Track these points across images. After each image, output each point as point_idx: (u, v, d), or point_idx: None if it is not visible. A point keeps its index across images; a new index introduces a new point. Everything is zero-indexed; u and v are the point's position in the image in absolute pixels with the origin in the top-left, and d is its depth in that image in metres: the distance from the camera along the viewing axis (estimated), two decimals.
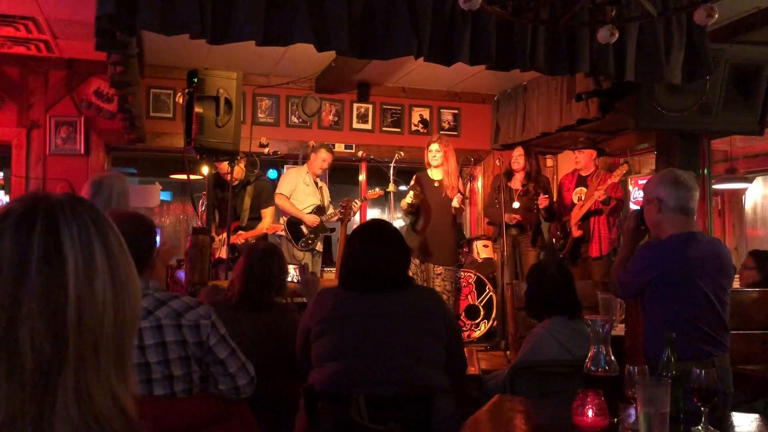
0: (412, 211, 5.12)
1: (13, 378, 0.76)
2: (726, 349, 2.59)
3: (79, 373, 0.78)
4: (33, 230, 0.80)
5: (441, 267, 5.03)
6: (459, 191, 5.05)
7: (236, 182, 5.16)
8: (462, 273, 5.32)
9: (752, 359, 3.42)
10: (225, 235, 4.88)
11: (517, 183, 5.43)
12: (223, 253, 4.99)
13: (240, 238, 5.18)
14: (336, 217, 5.54)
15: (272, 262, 2.92)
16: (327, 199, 5.76)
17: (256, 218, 5.36)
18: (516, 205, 5.25)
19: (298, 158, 6.27)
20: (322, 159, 5.58)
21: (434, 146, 5.13)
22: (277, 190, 5.55)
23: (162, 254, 2.85)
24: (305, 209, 5.52)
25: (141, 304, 0.90)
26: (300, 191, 5.56)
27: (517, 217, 5.23)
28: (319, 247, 5.63)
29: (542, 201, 5.22)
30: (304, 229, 5.48)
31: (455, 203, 5.02)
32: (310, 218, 5.45)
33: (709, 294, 2.54)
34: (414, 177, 5.22)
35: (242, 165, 5.15)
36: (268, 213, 5.38)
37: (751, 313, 3.60)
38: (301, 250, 5.42)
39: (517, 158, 5.42)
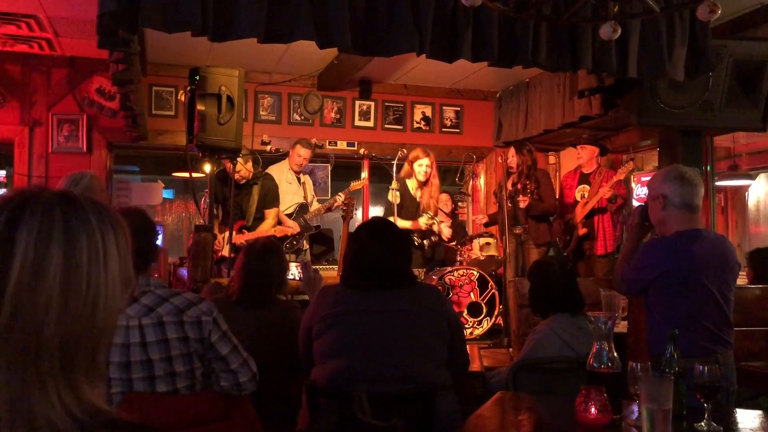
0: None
1: None
2: (730, 346, 2.58)
3: (11, 376, 0.75)
4: None
5: None
6: (432, 216, 5.13)
7: (243, 181, 5.15)
8: (464, 270, 5.30)
9: (755, 356, 3.42)
10: (228, 233, 4.88)
11: (508, 184, 5.44)
12: (226, 252, 4.98)
13: (243, 238, 5.17)
14: (324, 210, 5.54)
15: (271, 258, 2.92)
16: (311, 194, 5.75)
17: (260, 218, 5.34)
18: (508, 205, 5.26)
19: None
20: (298, 155, 5.56)
21: (425, 161, 5.16)
22: None
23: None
24: (289, 208, 5.50)
25: (113, 316, 0.84)
26: (283, 190, 5.53)
27: (527, 199, 5.24)
28: (305, 245, 5.62)
29: (522, 201, 5.21)
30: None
31: (422, 223, 5.10)
32: (290, 225, 5.42)
33: (713, 291, 2.54)
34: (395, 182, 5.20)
35: (249, 165, 5.12)
36: (271, 214, 5.34)
37: (754, 310, 3.60)
38: (287, 252, 5.39)
39: (511, 159, 5.41)
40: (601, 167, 5.49)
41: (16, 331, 0.75)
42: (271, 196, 5.35)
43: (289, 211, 5.50)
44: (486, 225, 5.86)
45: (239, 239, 5.11)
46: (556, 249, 5.62)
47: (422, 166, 5.15)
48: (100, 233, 0.83)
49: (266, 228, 5.26)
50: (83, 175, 3.26)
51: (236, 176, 4.82)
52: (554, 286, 2.91)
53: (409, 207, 5.23)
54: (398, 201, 5.07)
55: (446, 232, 5.40)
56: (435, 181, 5.24)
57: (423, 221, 5.10)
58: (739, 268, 2.72)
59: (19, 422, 0.74)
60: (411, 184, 5.27)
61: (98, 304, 0.81)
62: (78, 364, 0.79)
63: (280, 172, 5.63)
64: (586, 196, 5.44)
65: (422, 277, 5.00)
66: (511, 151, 5.46)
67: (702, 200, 2.66)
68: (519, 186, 5.33)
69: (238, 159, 4.53)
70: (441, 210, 6.62)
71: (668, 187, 2.60)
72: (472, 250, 5.86)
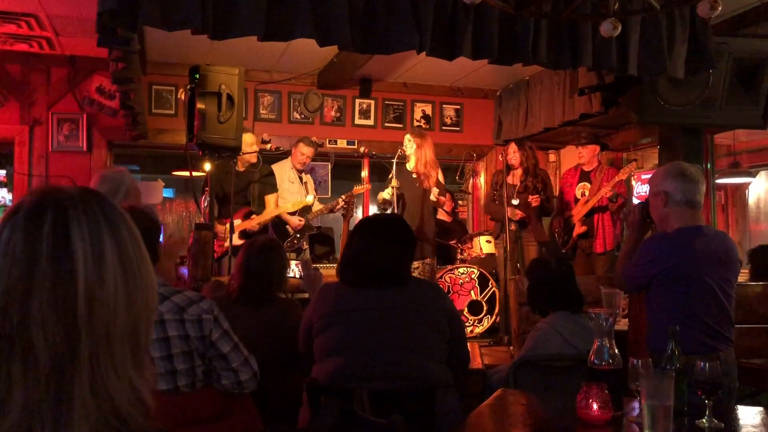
0: (386, 208, 5.15)
1: (29, 373, 0.77)
2: (731, 344, 2.58)
3: (94, 367, 0.79)
4: (43, 224, 0.80)
5: (417, 261, 4.96)
6: (436, 185, 5.07)
7: (247, 165, 5.12)
8: (464, 268, 5.31)
9: (757, 353, 3.42)
10: (230, 223, 4.90)
11: (515, 179, 5.37)
12: (234, 240, 5.00)
13: (253, 222, 5.17)
14: (326, 212, 5.53)
15: (271, 256, 2.92)
16: (313, 194, 5.75)
17: (261, 205, 5.35)
18: (515, 201, 5.19)
19: None
20: (301, 153, 5.56)
21: (407, 137, 5.20)
22: None
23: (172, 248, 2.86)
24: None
25: (156, 296, 0.90)
26: (285, 189, 5.53)
27: (520, 213, 5.20)
28: (305, 245, 5.61)
29: (534, 200, 5.18)
30: (289, 228, 5.46)
31: (432, 197, 5.04)
32: (294, 221, 5.42)
33: (715, 288, 2.54)
34: (393, 171, 5.21)
35: (251, 138, 5.10)
36: (272, 199, 5.36)
37: (756, 307, 3.60)
38: (287, 251, 5.38)
39: (513, 155, 5.33)
40: (601, 165, 5.49)
41: (95, 321, 0.79)
42: (270, 183, 5.37)
43: (290, 211, 5.50)
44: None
45: (249, 225, 5.11)
46: (554, 246, 5.60)
47: (405, 142, 5.19)
48: (131, 223, 0.88)
49: (272, 212, 5.27)
50: (122, 175, 3.20)
51: (244, 157, 4.78)
52: (553, 284, 2.91)
53: (409, 188, 5.17)
54: (393, 197, 5.08)
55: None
56: (427, 151, 5.15)
57: (432, 196, 5.06)
58: (740, 265, 2.72)
59: (104, 412, 0.78)
60: (408, 165, 5.22)
61: (149, 286, 0.87)
62: (142, 347, 0.85)
63: (282, 171, 5.62)
64: (586, 194, 5.43)
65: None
66: (512, 146, 5.39)
67: (703, 197, 2.66)
68: (528, 183, 5.27)
69: (245, 136, 4.53)
70: (442, 210, 6.62)
71: (670, 184, 2.60)
72: (472, 248, 5.87)
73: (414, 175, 5.13)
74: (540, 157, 6.89)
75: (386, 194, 5.13)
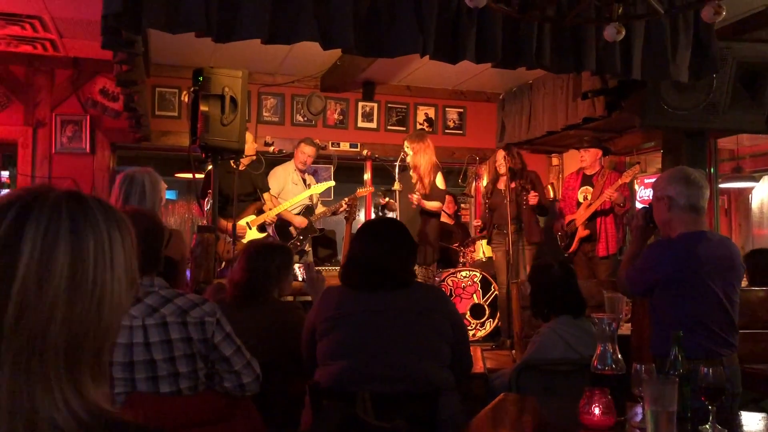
0: (380, 211, 5.22)
1: None
2: (735, 349, 2.57)
3: (15, 374, 0.75)
4: (2, 221, 0.78)
5: (419, 267, 4.96)
6: (432, 190, 5.09)
7: (247, 164, 5.13)
8: (467, 272, 5.31)
9: (760, 358, 3.41)
10: (233, 225, 4.92)
11: (502, 184, 5.40)
12: (255, 234, 5.02)
13: (270, 213, 5.19)
14: (330, 214, 5.54)
15: (271, 259, 2.91)
16: (316, 197, 5.74)
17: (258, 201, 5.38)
18: (505, 202, 5.21)
19: None
20: (302, 152, 5.56)
21: (405, 143, 5.22)
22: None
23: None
24: (293, 210, 5.49)
25: (119, 315, 0.84)
26: (288, 191, 5.53)
27: (536, 195, 5.20)
28: (308, 247, 5.62)
29: (531, 198, 5.19)
30: (292, 230, 5.46)
31: (414, 200, 5.07)
32: (298, 219, 5.42)
33: (719, 293, 2.53)
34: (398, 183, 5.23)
35: (251, 139, 5.12)
36: (268, 197, 5.39)
37: (759, 312, 3.59)
38: None
39: (501, 162, 5.39)
40: (604, 169, 5.48)
41: (22, 328, 0.75)
42: (265, 179, 5.42)
43: (294, 212, 5.50)
44: (481, 230, 5.86)
45: (266, 217, 5.17)
46: (555, 249, 5.60)
47: (404, 149, 5.20)
48: (107, 233, 0.83)
49: (284, 204, 5.31)
50: (139, 175, 3.16)
51: (246, 152, 4.82)
52: (555, 289, 2.90)
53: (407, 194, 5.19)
54: (387, 202, 5.12)
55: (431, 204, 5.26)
56: (423, 157, 5.16)
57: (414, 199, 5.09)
58: (743, 270, 2.71)
59: (21, 421, 0.74)
60: (410, 171, 5.24)
61: (104, 303, 0.81)
62: (83, 363, 0.79)
63: (286, 173, 5.62)
64: (588, 197, 5.42)
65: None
66: (500, 153, 5.46)
67: (707, 202, 2.65)
68: (521, 183, 5.30)
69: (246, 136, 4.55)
70: (444, 212, 6.62)
71: (674, 189, 2.59)
72: (474, 251, 5.86)
73: (413, 181, 5.13)
74: (543, 161, 6.92)
75: (342, 205, 5.27)
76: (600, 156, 5.52)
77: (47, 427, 0.74)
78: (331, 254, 6.14)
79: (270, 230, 5.36)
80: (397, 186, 5.06)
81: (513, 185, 5.22)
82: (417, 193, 5.09)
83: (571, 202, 5.57)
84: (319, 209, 5.63)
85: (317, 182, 6.06)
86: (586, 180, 5.51)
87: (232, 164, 4.44)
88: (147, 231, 2.03)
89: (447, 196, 6.87)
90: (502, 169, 5.36)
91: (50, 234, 0.78)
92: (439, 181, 5.25)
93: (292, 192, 5.54)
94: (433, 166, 5.21)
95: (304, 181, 5.68)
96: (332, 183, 5.75)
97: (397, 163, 5.13)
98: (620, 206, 5.19)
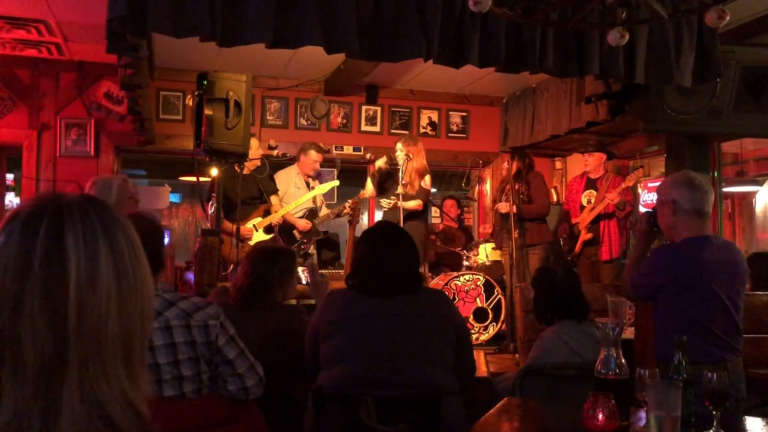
0: (378, 179, 5.31)
1: (18, 377, 0.77)
2: (739, 354, 2.57)
3: (83, 374, 0.78)
4: (38, 230, 0.81)
5: None
6: (418, 193, 5.13)
7: (252, 168, 5.14)
8: (470, 275, 5.30)
9: (764, 363, 3.39)
10: (255, 219, 4.93)
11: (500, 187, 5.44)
12: (262, 236, 5.04)
13: (276, 215, 5.19)
14: (333, 216, 5.54)
15: (274, 262, 2.92)
16: (320, 200, 5.75)
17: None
18: (500, 204, 5.25)
19: None
20: (313, 160, 5.56)
21: (398, 145, 5.23)
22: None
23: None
24: (297, 213, 5.48)
25: (153, 305, 0.90)
26: (291, 195, 5.52)
27: (506, 206, 5.24)
28: (312, 250, 5.62)
29: (502, 207, 5.23)
30: (296, 233, 5.46)
31: (384, 202, 5.13)
32: (301, 223, 5.42)
33: (723, 298, 2.52)
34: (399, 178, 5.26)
35: (256, 144, 5.13)
36: (276, 199, 5.39)
37: (763, 317, 3.58)
38: None
39: (504, 168, 5.45)
40: (608, 173, 5.48)
41: (84, 329, 0.79)
42: (273, 182, 5.43)
43: (298, 215, 5.50)
44: (492, 235, 5.88)
45: (273, 219, 5.17)
46: (558, 253, 5.59)
47: (396, 150, 5.22)
48: (131, 231, 0.88)
49: (289, 205, 5.32)
50: (111, 181, 3.25)
51: (252, 154, 4.83)
52: (559, 293, 2.90)
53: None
54: (386, 165, 5.21)
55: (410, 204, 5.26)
56: (415, 160, 5.22)
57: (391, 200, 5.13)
58: (748, 275, 2.70)
59: (93, 419, 0.78)
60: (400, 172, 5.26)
61: (145, 295, 0.86)
62: (135, 355, 0.85)
63: (288, 177, 5.62)
64: (592, 201, 5.42)
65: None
66: (506, 157, 5.49)
67: (711, 207, 2.65)
68: (507, 188, 5.31)
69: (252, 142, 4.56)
70: (447, 214, 6.62)
71: (678, 193, 2.59)
72: (478, 255, 5.86)
73: (403, 181, 5.14)
74: (546, 165, 6.92)
75: (381, 162, 5.24)
76: (604, 160, 5.52)
77: (116, 421, 0.79)
78: (335, 257, 6.14)
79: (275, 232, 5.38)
80: (400, 189, 5.04)
81: (517, 187, 5.23)
82: (392, 197, 5.13)
83: (574, 205, 5.57)
84: (323, 212, 5.63)
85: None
86: (590, 184, 5.52)
87: (237, 168, 4.45)
88: (149, 234, 2.03)
89: (450, 200, 6.88)
90: (505, 173, 5.38)
91: (89, 237, 0.82)
92: (426, 183, 5.33)
93: (295, 196, 5.54)
94: (424, 170, 5.29)
95: (307, 184, 5.68)
96: (336, 182, 5.75)
97: (400, 167, 5.11)
98: (620, 209, 5.19)
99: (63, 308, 0.78)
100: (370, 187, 5.52)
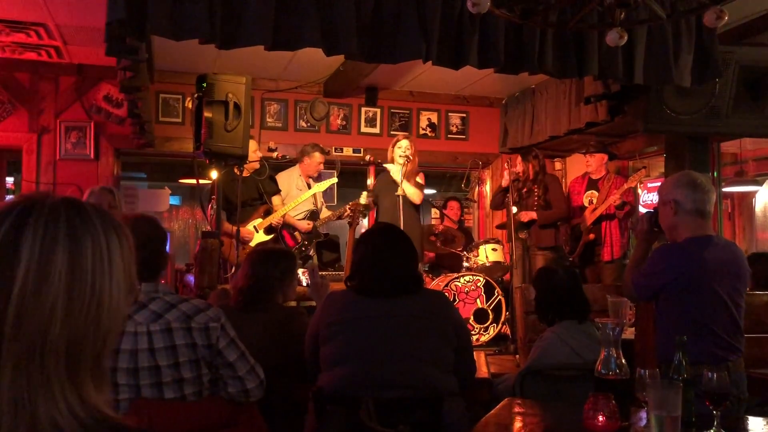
0: (365, 213, 5.28)
1: None
2: (740, 353, 2.57)
3: (16, 377, 0.76)
4: (1, 227, 0.79)
5: None
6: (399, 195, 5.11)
7: (251, 170, 5.12)
8: (470, 276, 5.30)
9: (765, 363, 3.39)
10: (237, 231, 4.91)
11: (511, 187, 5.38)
12: (263, 237, 5.03)
13: (276, 215, 5.18)
14: (335, 218, 5.54)
15: (276, 264, 2.92)
16: (321, 201, 5.75)
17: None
18: (514, 209, 5.21)
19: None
20: (317, 162, 5.56)
21: (404, 142, 5.19)
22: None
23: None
24: (298, 215, 5.48)
25: (118, 315, 0.85)
26: (293, 197, 5.50)
27: (531, 213, 5.23)
28: (312, 252, 5.61)
29: (523, 216, 5.22)
30: (297, 235, 5.46)
31: (410, 191, 5.12)
32: (303, 224, 5.41)
33: (724, 298, 2.52)
34: (375, 180, 5.27)
35: (254, 146, 5.11)
36: (278, 200, 5.38)
37: (764, 317, 3.58)
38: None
39: (518, 167, 5.44)
40: (609, 173, 5.47)
41: (22, 333, 0.77)
42: (274, 183, 5.41)
43: (299, 218, 5.49)
44: (498, 227, 5.87)
45: (273, 219, 5.15)
46: (561, 254, 5.59)
47: (402, 148, 5.15)
48: (105, 239, 0.84)
49: (289, 205, 5.31)
50: (90, 193, 3.28)
51: (250, 156, 4.80)
52: (560, 293, 2.89)
53: (391, 195, 5.17)
54: (369, 200, 5.19)
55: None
56: (415, 160, 5.24)
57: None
58: (749, 274, 2.70)
59: (23, 423, 0.75)
60: (391, 169, 5.21)
61: (103, 307, 0.82)
62: (83, 367, 0.81)
63: (290, 179, 5.62)
64: (594, 201, 5.42)
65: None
66: (518, 159, 5.48)
67: (713, 207, 2.65)
68: (525, 191, 5.30)
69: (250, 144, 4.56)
70: (448, 215, 6.62)
71: (680, 193, 2.59)
72: (478, 256, 5.86)
73: (395, 183, 5.13)
74: (546, 165, 6.92)
75: (362, 200, 5.21)
76: (606, 161, 5.52)
77: (49, 429, 0.76)
78: (336, 258, 6.13)
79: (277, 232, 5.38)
80: (400, 191, 5.04)
81: (525, 189, 5.24)
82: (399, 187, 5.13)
83: (576, 206, 5.57)
84: (324, 213, 5.62)
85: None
86: (592, 184, 5.51)
87: (236, 171, 4.45)
88: (149, 237, 2.04)
89: (454, 202, 6.88)
90: (505, 173, 5.36)
91: (48, 239, 0.80)
92: (421, 179, 5.39)
93: (296, 198, 5.54)
94: (418, 169, 5.36)
95: (308, 186, 5.67)
96: (335, 180, 5.74)
97: (400, 169, 5.11)
98: (619, 209, 5.19)
99: (2, 308, 0.76)
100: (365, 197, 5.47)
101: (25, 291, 0.77)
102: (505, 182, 5.28)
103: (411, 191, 5.18)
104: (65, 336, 0.79)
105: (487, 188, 7.15)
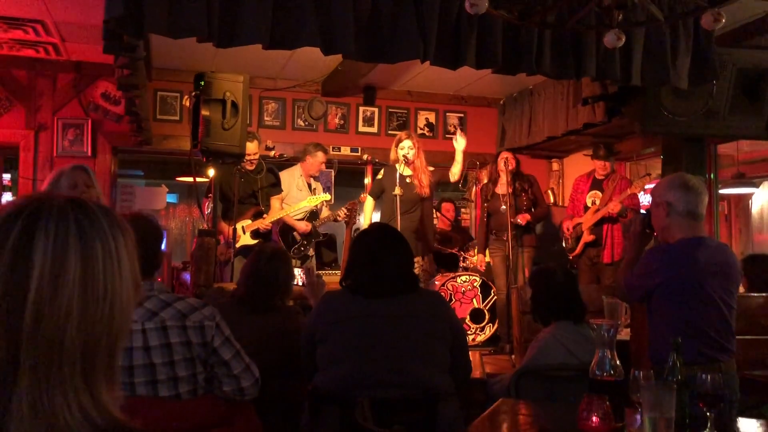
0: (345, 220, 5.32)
1: None
2: (732, 354, 2.57)
3: (34, 381, 0.76)
4: (11, 232, 0.79)
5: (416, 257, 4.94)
6: (420, 190, 5.08)
7: (254, 165, 5.10)
8: (466, 276, 5.31)
9: (759, 364, 3.40)
10: (241, 222, 4.89)
11: (503, 188, 5.27)
12: (248, 240, 5.02)
13: (265, 221, 5.15)
14: (332, 219, 5.53)
15: (279, 265, 2.92)
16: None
17: (266, 205, 5.33)
18: (503, 208, 5.16)
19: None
20: (320, 161, 5.54)
21: (407, 142, 5.04)
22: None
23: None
24: (299, 214, 5.45)
25: (129, 317, 0.86)
26: (293, 196, 5.50)
27: (527, 216, 5.20)
28: (311, 252, 5.60)
29: (522, 218, 5.18)
30: (296, 235, 5.45)
31: (454, 175, 5.11)
32: (301, 225, 5.40)
33: (716, 299, 2.53)
34: (375, 179, 5.26)
35: (255, 144, 5.04)
36: (277, 201, 5.35)
37: (758, 318, 3.59)
38: (293, 257, 5.34)
39: (509, 161, 5.23)
40: (615, 173, 5.42)
41: (40, 336, 0.77)
42: (277, 183, 5.37)
43: (298, 218, 5.48)
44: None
45: (261, 224, 5.10)
46: (559, 252, 5.58)
47: (404, 148, 5.04)
48: (113, 237, 0.85)
49: (282, 211, 5.27)
50: (61, 172, 3.23)
51: (247, 157, 4.76)
52: (556, 294, 2.90)
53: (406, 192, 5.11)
54: (347, 218, 5.22)
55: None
56: (422, 157, 5.12)
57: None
58: (741, 276, 2.71)
59: (41, 427, 0.76)
60: (400, 168, 5.07)
61: (115, 306, 0.83)
62: (98, 368, 0.81)
63: (291, 178, 5.59)
64: (597, 202, 5.37)
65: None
66: (503, 155, 5.37)
67: (706, 209, 2.66)
68: (517, 186, 5.25)
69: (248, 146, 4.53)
70: (443, 216, 6.63)
71: (672, 195, 2.60)
72: (474, 256, 5.86)
73: (408, 180, 5.09)
74: (543, 166, 6.93)
75: (341, 214, 5.30)
76: (612, 162, 5.48)
77: (65, 430, 0.76)
78: (335, 258, 6.14)
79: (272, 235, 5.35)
80: (397, 191, 5.03)
81: (511, 189, 5.20)
82: (415, 180, 5.08)
83: (578, 205, 5.51)
84: (324, 213, 5.62)
85: (322, 186, 6.02)
86: (596, 184, 5.45)
87: (236, 168, 4.45)
88: (146, 234, 2.03)
89: (448, 204, 6.89)
90: (503, 174, 5.27)
91: (60, 242, 0.80)
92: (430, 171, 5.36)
93: (296, 198, 5.51)
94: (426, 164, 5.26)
95: (309, 186, 5.65)
96: (327, 197, 5.70)
97: (398, 168, 5.10)
98: (622, 217, 5.17)
99: (19, 314, 0.76)
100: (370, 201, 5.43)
101: (41, 295, 0.77)
102: (523, 219, 5.23)
103: (457, 169, 5.12)
104: (81, 338, 0.79)
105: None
